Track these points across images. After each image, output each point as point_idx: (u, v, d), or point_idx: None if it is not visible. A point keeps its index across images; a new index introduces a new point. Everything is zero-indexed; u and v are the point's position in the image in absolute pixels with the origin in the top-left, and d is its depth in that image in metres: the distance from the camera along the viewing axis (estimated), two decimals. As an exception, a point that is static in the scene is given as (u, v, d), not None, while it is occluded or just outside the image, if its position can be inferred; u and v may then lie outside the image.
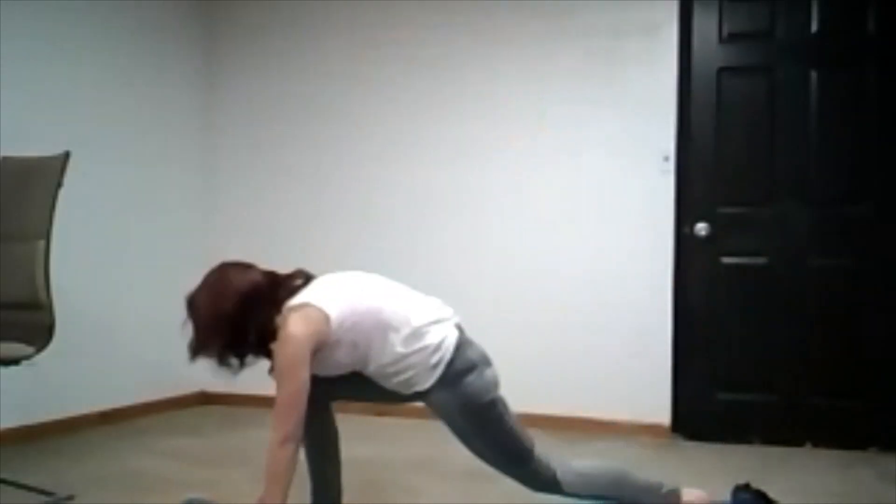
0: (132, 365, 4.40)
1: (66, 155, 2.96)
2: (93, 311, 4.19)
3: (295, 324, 2.19)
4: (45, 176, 2.97)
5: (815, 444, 3.87)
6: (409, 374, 2.32)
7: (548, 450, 2.46)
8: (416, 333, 2.31)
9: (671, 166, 4.09)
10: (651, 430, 4.06)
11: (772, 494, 2.64)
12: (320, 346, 2.22)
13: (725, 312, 4.05)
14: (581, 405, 4.19)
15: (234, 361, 2.30)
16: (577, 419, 4.14)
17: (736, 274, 4.05)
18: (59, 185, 2.92)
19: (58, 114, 4.05)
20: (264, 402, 5.15)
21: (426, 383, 2.32)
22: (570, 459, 2.49)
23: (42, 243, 2.89)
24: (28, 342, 2.83)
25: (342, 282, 2.41)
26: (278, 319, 2.25)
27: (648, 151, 4.12)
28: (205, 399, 4.84)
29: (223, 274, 2.47)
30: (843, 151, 3.91)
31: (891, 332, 3.82)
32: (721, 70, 4.06)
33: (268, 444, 2.16)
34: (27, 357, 2.82)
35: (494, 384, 2.39)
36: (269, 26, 4.89)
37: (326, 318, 2.21)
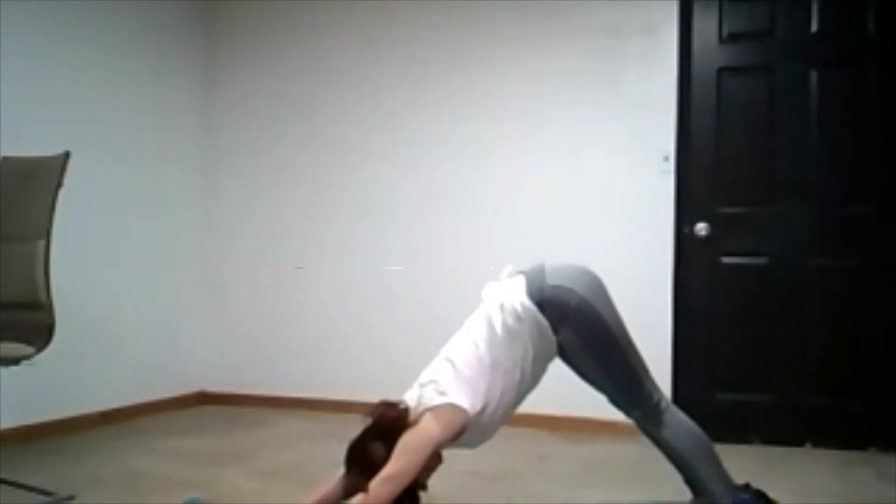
0: (132, 365, 4.40)
1: (66, 155, 2.96)
2: (93, 311, 4.20)
3: (427, 424, 2.26)
4: (45, 176, 2.97)
5: (815, 444, 3.87)
6: (536, 353, 2.39)
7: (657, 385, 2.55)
8: (508, 338, 2.37)
9: (671, 166, 4.09)
10: (651, 430, 4.05)
11: (772, 494, 2.63)
12: (466, 429, 2.30)
13: (725, 312, 4.05)
14: (581, 405, 4.17)
15: None
16: (577, 419, 4.14)
17: (736, 274, 4.05)
18: (59, 185, 2.92)
19: (58, 114, 4.05)
20: (264, 401, 5.18)
21: (552, 336, 2.40)
22: (679, 410, 2.58)
23: (42, 243, 2.89)
24: (28, 342, 2.83)
25: (443, 365, 2.41)
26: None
27: (648, 151, 4.12)
28: (205, 399, 4.84)
29: None
30: (843, 151, 3.91)
31: (891, 332, 3.82)
32: (721, 70, 4.06)
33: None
34: (27, 357, 2.82)
35: (596, 294, 2.48)
36: (269, 26, 4.90)
37: (459, 408, 2.28)
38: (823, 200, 3.93)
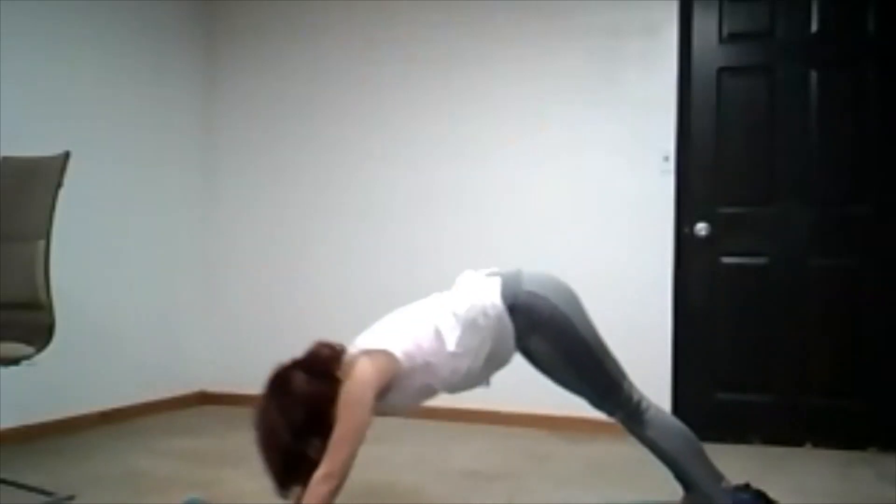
0: (132, 365, 4.40)
1: (66, 155, 2.96)
2: (93, 311, 4.20)
3: (363, 368, 2.22)
4: (45, 176, 2.97)
5: (815, 444, 3.87)
6: (491, 352, 2.36)
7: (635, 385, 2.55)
8: (468, 323, 2.33)
9: (671, 166, 4.09)
10: (651, 430, 4.05)
11: (772, 494, 2.63)
12: (393, 384, 2.25)
13: (725, 312, 4.05)
14: (581, 405, 4.15)
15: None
16: (577, 419, 4.12)
17: (736, 274, 4.05)
18: (59, 185, 2.92)
19: (58, 114, 4.05)
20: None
21: (509, 347, 2.39)
22: (661, 408, 2.59)
23: (42, 243, 2.88)
24: (28, 342, 2.83)
25: (392, 321, 2.42)
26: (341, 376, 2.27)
27: (648, 151, 4.12)
28: (205, 399, 4.83)
29: (269, 409, 2.29)
30: (843, 151, 3.91)
31: (891, 332, 3.82)
32: (721, 70, 4.06)
33: (313, 476, 2.15)
34: (27, 357, 2.82)
35: (570, 303, 2.46)
36: (269, 26, 4.90)
37: (392, 356, 2.25)
38: (823, 200, 3.93)
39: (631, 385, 2.54)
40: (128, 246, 4.47)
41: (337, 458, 2.15)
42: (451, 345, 2.31)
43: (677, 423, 2.60)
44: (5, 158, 3.28)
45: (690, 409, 4.08)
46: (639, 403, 2.53)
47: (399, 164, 4.61)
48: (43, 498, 2.92)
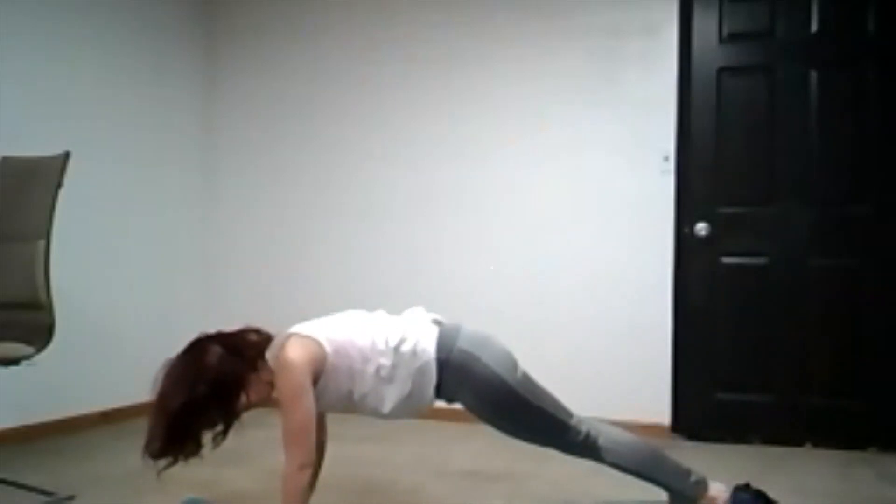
0: (132, 365, 4.37)
1: (66, 155, 2.96)
2: (93, 311, 4.20)
3: (291, 351, 2.19)
4: (45, 176, 2.97)
5: (815, 444, 3.87)
6: (409, 390, 2.31)
7: (584, 417, 2.51)
8: (395, 353, 2.29)
9: (671, 166, 4.09)
10: (651, 430, 4.04)
11: (772, 494, 2.64)
12: (319, 373, 2.22)
13: (725, 312, 4.05)
14: (581, 405, 4.17)
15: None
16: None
17: (736, 274, 4.05)
18: (59, 185, 2.92)
19: (58, 114, 4.05)
20: (264, 401, 5.08)
21: (430, 394, 2.33)
22: (610, 428, 2.53)
23: (42, 243, 2.89)
24: (28, 342, 2.83)
25: (321, 319, 2.40)
26: (262, 364, 2.24)
27: (648, 151, 4.12)
28: (205, 399, 4.83)
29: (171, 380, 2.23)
30: (843, 151, 3.91)
31: (891, 332, 3.82)
32: (721, 70, 4.06)
33: (283, 472, 2.15)
34: (27, 357, 2.82)
35: (505, 365, 2.38)
36: (269, 26, 4.90)
37: (318, 342, 2.22)
38: (823, 200, 3.93)
39: (579, 420, 2.48)
40: (128, 246, 4.47)
41: (302, 447, 2.14)
42: (375, 366, 2.27)
43: (630, 441, 2.57)
44: (5, 158, 3.28)
45: (690, 409, 4.10)
46: (588, 434, 2.47)
47: (399, 164, 4.61)
48: (43, 498, 2.92)
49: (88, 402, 4.16)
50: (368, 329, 2.34)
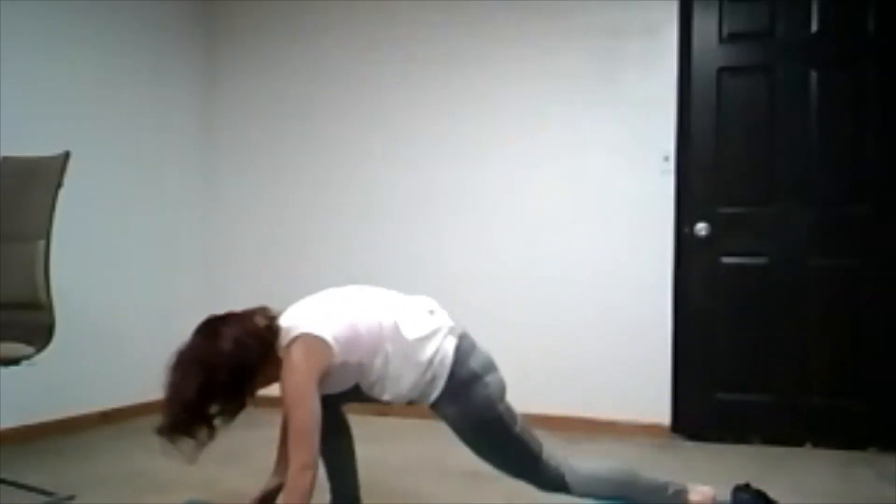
0: (132, 365, 4.39)
1: (66, 155, 2.96)
2: (93, 311, 4.20)
3: (297, 353, 2.18)
4: (45, 176, 2.97)
5: (815, 444, 3.87)
6: (410, 388, 2.32)
7: (555, 451, 2.46)
8: (413, 348, 2.29)
9: (671, 166, 4.09)
10: (651, 430, 4.06)
11: (772, 494, 2.63)
12: (326, 373, 2.22)
13: (725, 312, 4.04)
14: (581, 405, 4.19)
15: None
16: (577, 419, 4.14)
17: (736, 274, 4.05)
18: (59, 185, 2.92)
19: (58, 114, 4.05)
20: (264, 401, 5.17)
21: (430, 398, 2.33)
22: (579, 461, 2.49)
23: (42, 243, 2.88)
24: (28, 342, 2.83)
25: (333, 301, 2.36)
26: (272, 351, 2.23)
27: (648, 151, 4.12)
28: (205, 399, 4.83)
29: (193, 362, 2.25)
30: (843, 151, 3.91)
31: (891, 332, 3.82)
32: (721, 70, 4.06)
33: (289, 472, 2.15)
34: (27, 357, 2.82)
35: (500, 394, 2.38)
36: (269, 26, 4.90)
37: (326, 343, 2.20)
38: (823, 200, 3.93)
39: (549, 455, 2.44)
40: (128, 246, 4.47)
41: (307, 449, 2.13)
42: (384, 358, 2.27)
43: (599, 471, 2.52)
44: (5, 158, 3.28)
45: (690, 409, 4.10)
46: (558, 467, 2.44)
47: (399, 164, 4.61)
48: (43, 498, 2.92)
49: (88, 402, 4.16)
50: (384, 318, 2.31)
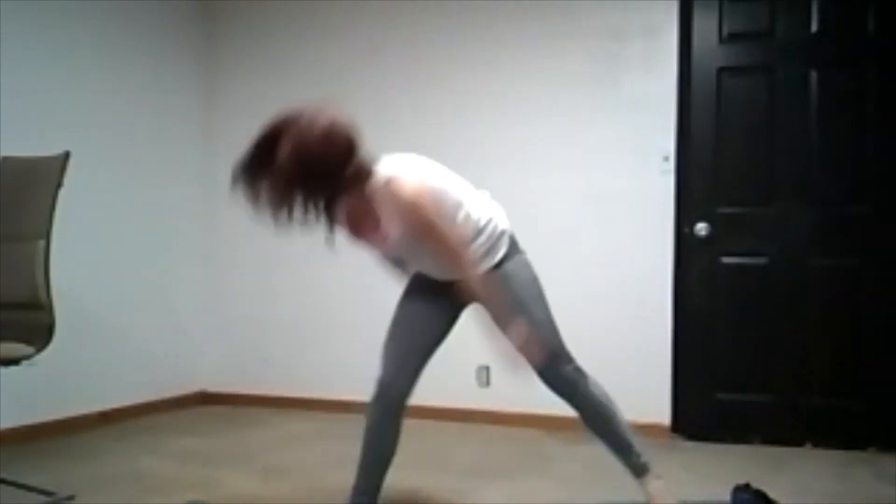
0: (132, 365, 4.40)
1: (66, 155, 2.96)
2: (93, 311, 4.20)
3: (409, 189, 2.39)
4: (45, 176, 2.97)
5: (815, 444, 3.87)
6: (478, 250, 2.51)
7: None
8: (476, 218, 2.55)
9: (671, 166, 4.09)
10: (651, 430, 4.05)
11: (772, 494, 2.64)
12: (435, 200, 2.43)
13: (725, 312, 4.05)
14: (581, 405, 4.18)
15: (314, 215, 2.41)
16: (577, 419, 4.13)
17: (736, 274, 4.05)
18: (59, 185, 2.92)
19: (58, 115, 4.05)
20: (265, 401, 5.16)
21: (492, 260, 2.55)
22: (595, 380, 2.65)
23: (42, 243, 2.88)
24: (28, 342, 2.83)
25: (412, 161, 2.63)
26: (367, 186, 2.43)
27: (648, 151, 4.12)
28: (205, 399, 4.84)
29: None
30: (843, 151, 3.91)
31: (891, 332, 3.82)
32: (721, 70, 4.06)
33: (460, 262, 2.40)
34: (27, 357, 2.82)
35: (533, 290, 2.66)
36: (270, 30, 4.89)
37: (424, 180, 2.44)
38: (823, 200, 3.93)
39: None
40: (128, 246, 4.47)
41: (447, 240, 2.38)
42: (465, 214, 2.51)
43: (602, 393, 2.67)
44: (5, 158, 3.28)
45: (690, 409, 4.10)
46: (577, 368, 2.62)
47: (399, 164, 4.60)
48: (43, 498, 2.93)
49: (89, 401, 4.16)
50: (464, 191, 2.59)
